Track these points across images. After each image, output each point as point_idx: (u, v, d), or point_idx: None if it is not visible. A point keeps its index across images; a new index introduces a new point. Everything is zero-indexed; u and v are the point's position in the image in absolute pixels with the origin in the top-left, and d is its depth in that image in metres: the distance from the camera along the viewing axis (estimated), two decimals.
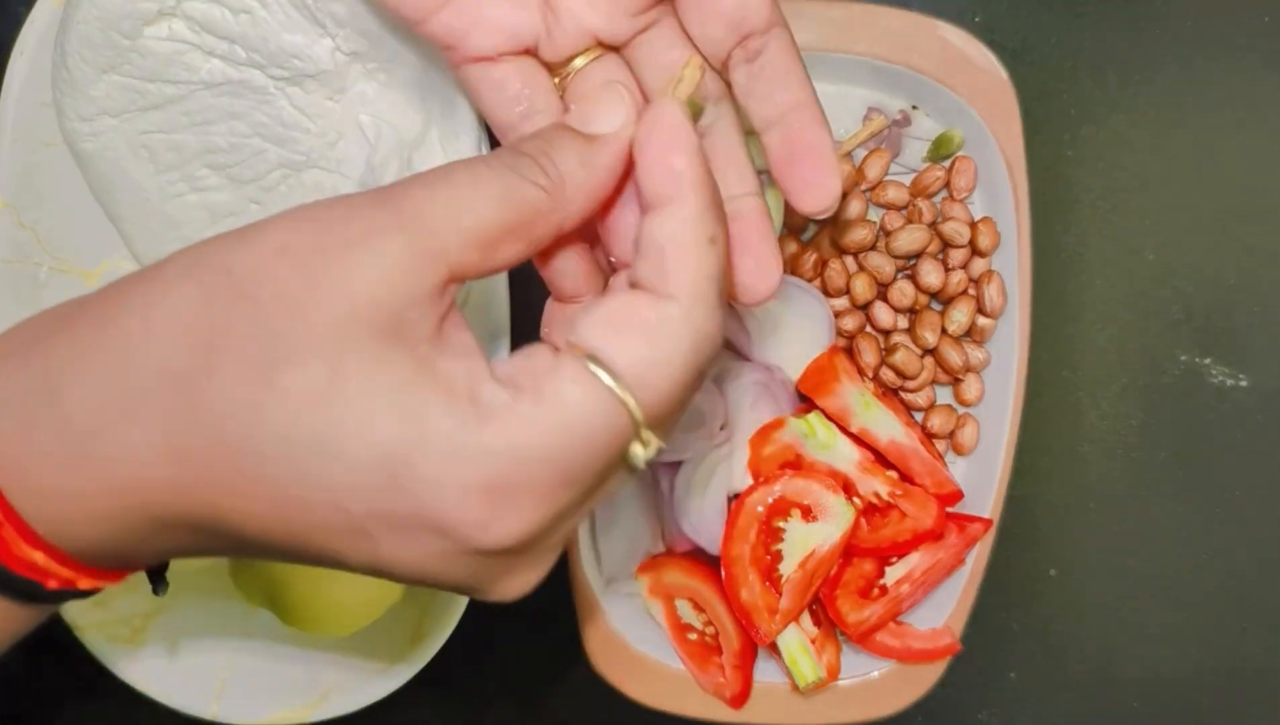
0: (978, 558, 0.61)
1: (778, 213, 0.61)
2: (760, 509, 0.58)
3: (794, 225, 0.61)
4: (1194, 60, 0.63)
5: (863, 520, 0.59)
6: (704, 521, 0.60)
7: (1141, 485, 0.65)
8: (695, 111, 0.46)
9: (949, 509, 0.60)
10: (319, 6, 0.55)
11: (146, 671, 0.62)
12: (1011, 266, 0.60)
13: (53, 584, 0.34)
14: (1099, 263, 0.64)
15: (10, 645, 0.38)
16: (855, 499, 0.59)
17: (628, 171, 0.37)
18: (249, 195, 0.60)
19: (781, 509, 0.58)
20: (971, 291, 0.60)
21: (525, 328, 0.63)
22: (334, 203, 0.34)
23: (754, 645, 0.61)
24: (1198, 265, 0.64)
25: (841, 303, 0.61)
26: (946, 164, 0.61)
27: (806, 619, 0.61)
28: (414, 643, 0.62)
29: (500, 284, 0.59)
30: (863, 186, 0.61)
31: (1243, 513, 0.65)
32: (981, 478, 0.61)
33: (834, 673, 0.60)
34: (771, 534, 0.58)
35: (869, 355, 0.60)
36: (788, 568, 0.58)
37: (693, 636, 0.62)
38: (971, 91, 0.59)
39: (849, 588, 0.60)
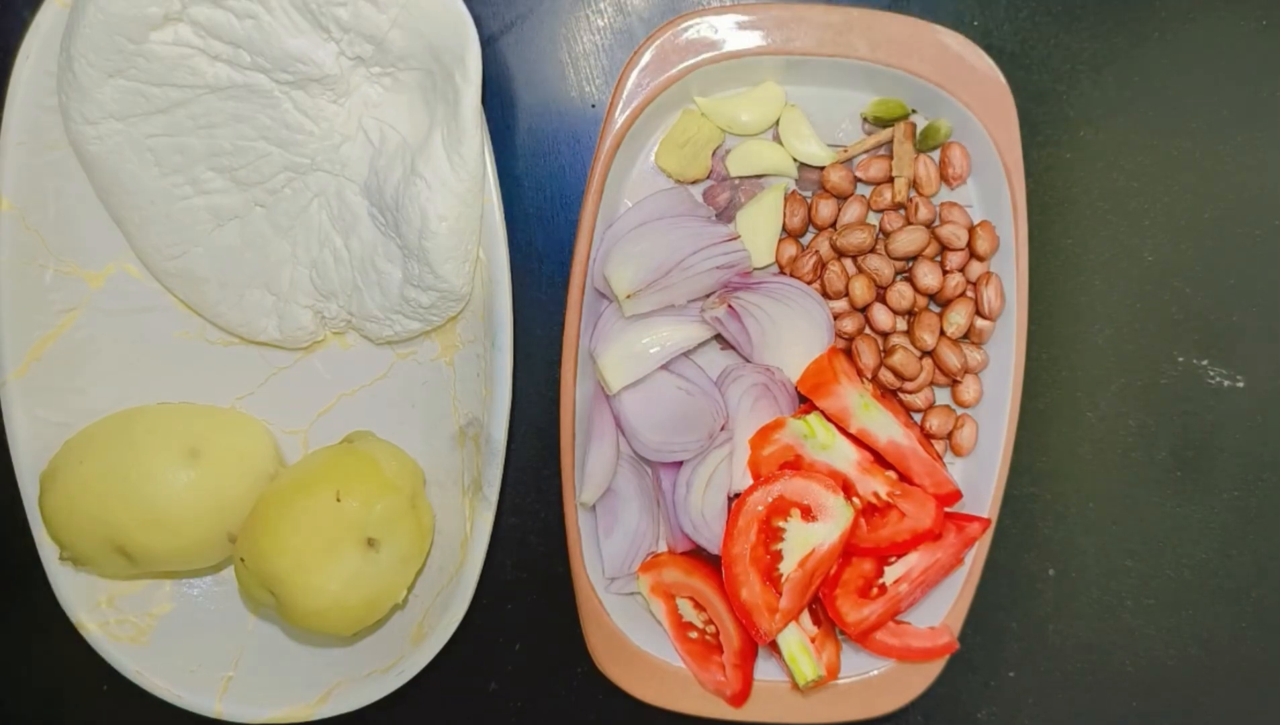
0: (976, 557, 0.61)
1: (777, 213, 0.62)
2: (760, 509, 0.59)
3: (793, 228, 0.62)
4: (1192, 63, 0.64)
5: (862, 520, 0.60)
6: (704, 521, 0.60)
7: (1139, 485, 0.66)
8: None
9: (947, 509, 0.60)
10: (323, 11, 0.56)
11: (152, 670, 0.62)
12: (1010, 268, 0.60)
13: None
14: (1097, 264, 0.64)
15: None
16: (854, 499, 0.60)
17: None
18: (254, 198, 0.60)
19: (781, 509, 0.59)
20: (969, 294, 0.61)
21: (525, 327, 0.64)
22: None
23: (754, 644, 0.61)
24: (1196, 266, 0.64)
25: (841, 305, 0.62)
26: (936, 156, 0.61)
27: (806, 618, 0.61)
28: (414, 643, 0.62)
29: (501, 284, 0.59)
30: (865, 191, 0.61)
31: (1241, 513, 0.66)
32: (980, 478, 0.61)
33: (833, 671, 0.61)
34: (771, 533, 0.59)
35: (868, 357, 0.60)
36: (787, 567, 0.58)
37: (693, 635, 0.62)
38: (970, 95, 0.59)
39: (848, 587, 0.60)
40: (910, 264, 0.61)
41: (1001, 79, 0.59)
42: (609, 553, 0.62)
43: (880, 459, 0.60)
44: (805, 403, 0.61)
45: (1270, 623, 0.66)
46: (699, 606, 0.62)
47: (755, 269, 0.62)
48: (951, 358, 0.60)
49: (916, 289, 0.61)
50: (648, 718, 0.64)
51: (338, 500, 0.58)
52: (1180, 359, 0.65)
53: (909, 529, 0.59)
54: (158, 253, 0.61)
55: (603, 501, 0.62)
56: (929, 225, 0.61)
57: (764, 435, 0.60)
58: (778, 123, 0.62)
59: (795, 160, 0.62)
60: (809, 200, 0.62)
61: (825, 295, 0.61)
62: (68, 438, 0.61)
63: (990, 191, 0.61)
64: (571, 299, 0.60)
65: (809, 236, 0.63)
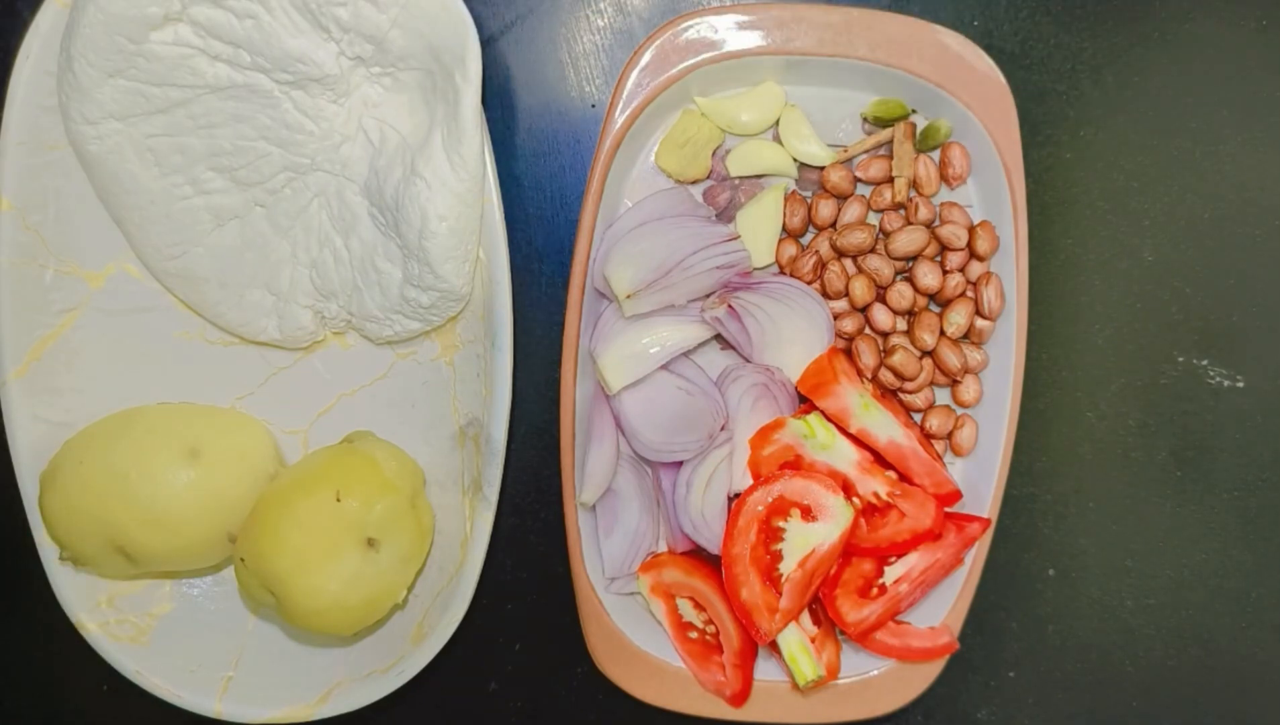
0: (976, 557, 0.61)
1: (777, 213, 0.62)
2: (760, 508, 0.59)
3: (793, 228, 0.62)
4: (1192, 63, 0.64)
5: (862, 520, 0.60)
6: (704, 521, 0.60)
7: (1140, 485, 0.66)
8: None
9: (947, 509, 0.60)
10: (323, 11, 0.56)
11: (152, 670, 0.62)
12: (1010, 268, 0.60)
13: None
14: (1097, 264, 0.64)
15: None
16: (854, 499, 0.60)
17: None
18: (254, 198, 0.60)
19: (781, 509, 0.59)
20: (970, 294, 0.61)
21: (525, 327, 0.64)
22: None
23: (754, 644, 0.61)
24: (1196, 266, 0.64)
25: (841, 305, 0.62)
26: (936, 156, 0.61)
27: (806, 618, 0.61)
28: (414, 643, 0.62)
29: (501, 284, 0.59)
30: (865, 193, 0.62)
31: (1241, 512, 0.66)
32: (980, 478, 0.61)
33: (833, 671, 0.61)
34: (771, 533, 0.59)
35: (868, 357, 0.60)
36: (787, 567, 0.58)
37: (693, 635, 0.62)
38: (970, 95, 0.59)
39: (848, 587, 0.60)
40: (910, 264, 0.61)
41: (1001, 79, 0.59)
42: (609, 553, 0.62)
43: (880, 459, 0.60)
44: (805, 403, 0.61)
45: (1270, 623, 0.66)
46: (699, 606, 0.62)
47: (755, 269, 0.62)
48: (951, 358, 0.60)
49: (916, 289, 0.61)
50: (648, 718, 0.64)
51: (338, 500, 0.58)
52: (1180, 359, 0.65)
53: (909, 529, 0.59)
54: (158, 253, 0.61)
55: (603, 501, 0.62)
56: (929, 225, 0.61)
57: (764, 435, 0.60)
58: (778, 123, 0.62)
59: (795, 160, 0.62)
60: (809, 200, 0.62)
61: (825, 295, 0.61)
62: (68, 438, 0.61)
63: (990, 191, 0.61)
64: (571, 299, 0.60)
65: (809, 236, 0.63)
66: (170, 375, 0.64)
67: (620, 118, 0.59)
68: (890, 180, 0.61)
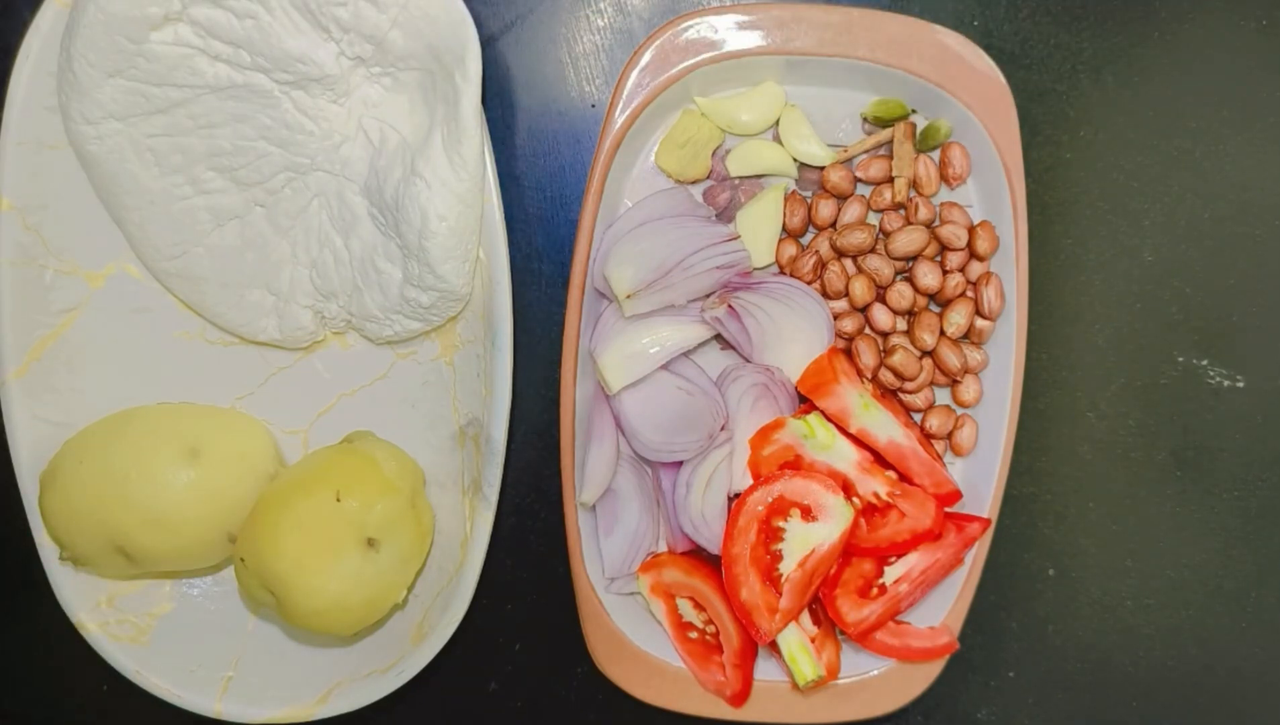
0: (976, 557, 0.61)
1: (777, 213, 0.62)
2: (760, 508, 0.59)
3: (793, 228, 0.62)
4: (1192, 63, 0.64)
5: (862, 520, 0.60)
6: (704, 521, 0.60)
7: (1140, 485, 0.66)
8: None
9: (947, 509, 0.60)
10: (323, 11, 0.56)
11: (152, 670, 0.62)
12: (1010, 268, 0.60)
13: None
14: (1097, 264, 0.64)
15: None
16: (854, 499, 0.60)
17: None
18: (254, 198, 0.60)
19: (781, 509, 0.59)
20: (970, 294, 0.61)
21: (525, 327, 0.64)
22: None
23: (754, 644, 0.61)
24: (1196, 266, 0.64)
25: (841, 305, 0.62)
26: (936, 156, 0.61)
27: (806, 618, 0.61)
28: (414, 643, 0.62)
29: (501, 284, 0.59)
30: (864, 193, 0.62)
31: (1241, 513, 0.66)
32: (980, 478, 0.61)
33: (833, 671, 0.61)
34: (771, 533, 0.59)
35: (868, 356, 0.60)
36: (787, 567, 0.58)
37: (693, 635, 0.62)
38: (970, 95, 0.59)
39: (848, 587, 0.60)
40: (910, 264, 0.61)
41: (1001, 79, 0.59)
42: (609, 553, 0.62)
43: (880, 459, 0.60)
44: (805, 403, 0.61)
45: (1270, 623, 0.66)
46: (699, 606, 0.62)
47: (755, 269, 0.62)
48: (951, 358, 0.60)
49: (916, 289, 0.61)
50: (648, 718, 0.64)
51: (338, 500, 0.58)
52: (1180, 359, 0.65)
53: (909, 529, 0.59)
54: (158, 253, 0.61)
55: (603, 501, 0.62)
56: (929, 225, 0.61)
57: (764, 435, 0.60)
58: (778, 123, 0.62)
59: (795, 160, 0.62)
60: (809, 200, 0.62)
61: (825, 295, 0.61)
62: (68, 438, 0.61)
63: (990, 191, 0.61)
64: (571, 299, 0.60)
65: (809, 236, 0.63)
66: (170, 375, 0.64)
67: (620, 118, 0.59)
68: (890, 180, 0.61)
